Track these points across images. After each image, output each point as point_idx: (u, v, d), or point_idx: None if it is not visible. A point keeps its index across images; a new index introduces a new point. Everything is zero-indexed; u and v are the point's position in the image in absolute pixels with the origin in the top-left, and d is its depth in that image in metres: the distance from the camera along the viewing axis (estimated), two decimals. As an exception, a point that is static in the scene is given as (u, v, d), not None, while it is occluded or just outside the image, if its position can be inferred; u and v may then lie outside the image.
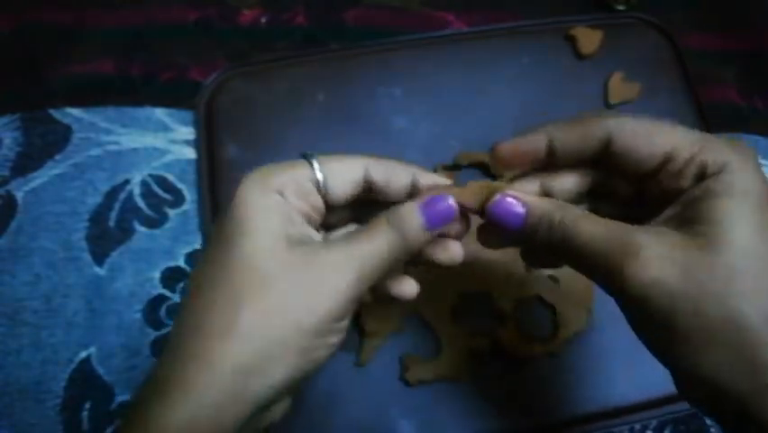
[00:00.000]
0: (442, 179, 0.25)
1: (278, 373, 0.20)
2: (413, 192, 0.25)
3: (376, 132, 0.39)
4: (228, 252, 0.21)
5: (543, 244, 0.23)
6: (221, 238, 0.22)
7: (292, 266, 0.21)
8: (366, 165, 0.24)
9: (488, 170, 0.38)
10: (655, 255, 0.20)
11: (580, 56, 0.41)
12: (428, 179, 0.25)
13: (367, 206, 0.25)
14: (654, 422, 0.36)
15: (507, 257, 0.37)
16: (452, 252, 0.26)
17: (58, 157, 0.40)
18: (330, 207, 0.24)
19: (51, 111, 0.41)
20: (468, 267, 0.36)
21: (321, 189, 0.23)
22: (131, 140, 0.40)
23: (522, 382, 0.35)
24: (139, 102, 0.41)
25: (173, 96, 0.42)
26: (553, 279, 0.36)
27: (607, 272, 0.21)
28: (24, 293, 0.37)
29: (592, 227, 0.21)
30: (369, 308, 0.35)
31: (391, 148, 0.39)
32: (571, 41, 0.41)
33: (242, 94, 0.40)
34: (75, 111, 0.41)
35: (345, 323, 0.23)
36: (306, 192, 0.23)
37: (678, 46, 0.42)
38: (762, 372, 0.18)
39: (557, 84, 0.41)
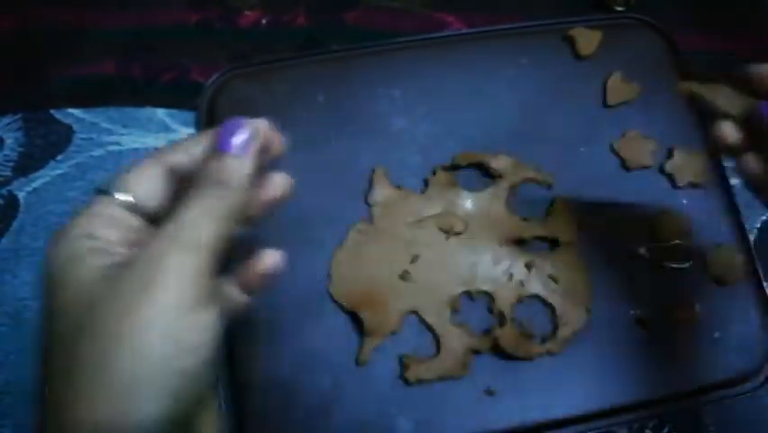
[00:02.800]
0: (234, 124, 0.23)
1: (149, 407, 0.19)
2: None
3: (375, 132, 0.40)
4: (53, 317, 0.20)
5: None
6: (46, 295, 0.20)
7: (111, 287, 0.19)
8: (161, 157, 0.23)
9: (487, 170, 0.39)
10: None
11: (578, 56, 0.41)
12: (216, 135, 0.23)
13: None
14: (653, 421, 0.36)
15: (508, 256, 0.37)
16: (279, 182, 0.25)
17: (59, 157, 0.40)
18: (154, 211, 0.23)
19: (53, 111, 0.41)
20: (468, 267, 0.36)
21: (133, 208, 0.22)
22: (132, 140, 0.41)
23: (521, 382, 0.35)
24: (140, 103, 0.42)
25: (174, 97, 0.42)
26: (553, 278, 0.36)
27: None
28: (26, 293, 0.37)
29: None
30: (368, 308, 0.35)
31: (391, 148, 0.39)
32: (570, 41, 0.42)
33: (243, 94, 0.40)
34: (76, 111, 0.41)
35: (207, 317, 0.21)
36: (117, 220, 0.22)
37: (676, 46, 0.42)
38: None
39: (556, 84, 0.41)
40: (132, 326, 0.19)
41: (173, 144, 0.24)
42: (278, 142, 0.25)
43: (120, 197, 0.22)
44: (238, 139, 0.22)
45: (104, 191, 0.23)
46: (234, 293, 0.25)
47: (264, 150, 0.24)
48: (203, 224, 0.21)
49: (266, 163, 0.25)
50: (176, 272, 0.20)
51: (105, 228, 0.22)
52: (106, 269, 0.20)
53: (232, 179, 0.22)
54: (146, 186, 0.23)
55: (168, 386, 0.19)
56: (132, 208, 0.23)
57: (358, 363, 0.35)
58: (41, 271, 0.21)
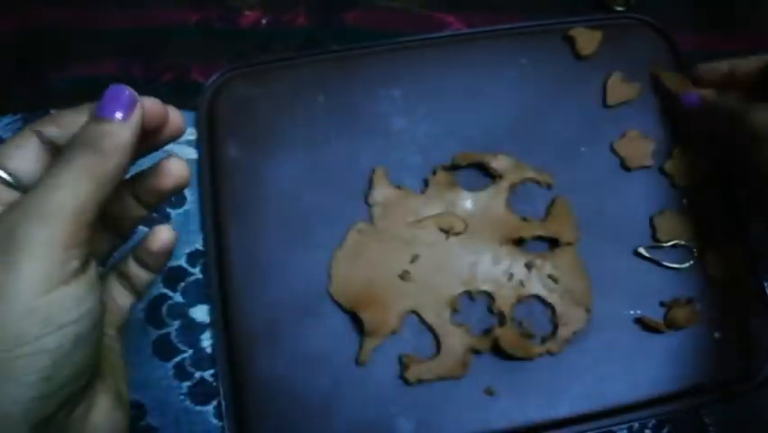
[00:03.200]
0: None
1: (15, 390, 0.18)
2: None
3: (375, 132, 0.40)
4: None
5: None
6: None
7: None
8: (37, 134, 0.22)
9: (487, 170, 0.39)
10: None
11: (578, 57, 0.41)
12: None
13: None
14: (653, 421, 0.36)
15: (508, 257, 0.37)
16: (173, 169, 0.24)
17: (59, 157, 0.40)
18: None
19: (53, 112, 0.41)
20: (468, 267, 0.36)
21: (13, 182, 0.21)
22: (132, 140, 0.41)
23: (521, 382, 0.35)
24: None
25: (174, 97, 0.42)
26: (553, 278, 0.36)
27: None
28: (26, 293, 0.37)
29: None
30: (368, 308, 0.35)
31: (391, 148, 0.39)
32: (570, 41, 0.42)
33: (243, 95, 0.40)
34: (76, 111, 0.41)
35: (77, 289, 0.19)
36: None
37: (677, 46, 0.42)
38: None
39: (556, 85, 0.41)
40: None
41: (51, 115, 0.22)
42: (176, 118, 0.24)
43: None
44: (118, 104, 0.21)
45: None
46: (139, 272, 0.25)
47: (154, 123, 0.22)
48: (66, 189, 0.19)
49: (161, 142, 0.24)
50: (37, 246, 0.18)
51: None
52: None
53: (105, 143, 0.20)
54: (21, 159, 0.21)
55: (35, 367, 0.18)
56: (9, 183, 0.21)
57: (358, 363, 0.35)
58: None
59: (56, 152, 0.22)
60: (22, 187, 0.21)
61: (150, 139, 0.23)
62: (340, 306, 0.36)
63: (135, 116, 0.21)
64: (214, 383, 0.36)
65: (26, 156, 0.22)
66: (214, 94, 0.40)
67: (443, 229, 0.37)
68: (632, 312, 0.36)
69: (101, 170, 0.20)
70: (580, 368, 0.35)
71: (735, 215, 0.39)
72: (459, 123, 0.40)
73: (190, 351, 0.37)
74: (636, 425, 0.36)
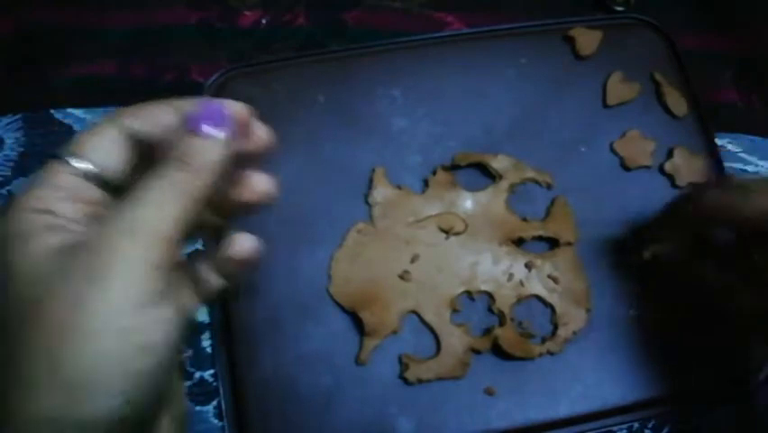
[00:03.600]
0: (208, 99, 0.22)
1: (97, 407, 0.17)
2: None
3: (375, 132, 0.40)
4: (8, 301, 0.18)
5: None
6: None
7: (64, 271, 0.18)
8: (120, 126, 0.21)
9: (487, 170, 0.39)
10: None
11: (578, 56, 0.41)
12: (194, 103, 0.22)
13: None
14: (653, 421, 0.36)
15: (507, 257, 0.37)
16: (259, 183, 0.23)
17: (59, 157, 0.40)
18: (116, 182, 0.21)
19: (53, 111, 0.41)
20: (468, 267, 0.36)
21: (92, 177, 0.20)
22: (132, 140, 0.41)
23: (521, 382, 0.35)
24: (141, 102, 0.42)
25: (174, 97, 0.42)
26: (553, 278, 0.36)
27: None
28: (26, 293, 0.37)
29: None
30: (368, 308, 0.35)
31: (391, 148, 0.39)
32: (570, 41, 0.42)
33: (243, 94, 0.40)
34: (77, 112, 0.41)
35: (165, 312, 0.19)
36: (76, 191, 0.20)
37: (676, 46, 0.42)
38: None
39: (556, 84, 0.41)
40: (82, 320, 0.17)
41: (135, 107, 0.22)
42: (264, 134, 0.24)
43: (77, 164, 0.20)
44: (211, 120, 0.20)
45: (59, 158, 0.20)
46: (211, 277, 0.23)
47: (244, 139, 0.22)
48: (161, 209, 0.19)
49: (253, 158, 0.23)
50: (128, 264, 0.18)
51: (63, 202, 0.19)
52: (61, 248, 0.18)
53: (198, 162, 0.19)
54: (105, 152, 0.21)
55: (120, 387, 0.17)
56: (92, 177, 0.20)
57: (358, 362, 0.35)
58: None
59: (136, 146, 0.21)
60: (102, 179, 0.21)
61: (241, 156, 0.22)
62: (340, 306, 0.36)
63: (228, 133, 0.20)
64: (215, 383, 0.36)
65: (108, 148, 0.21)
66: (215, 94, 0.40)
67: (443, 229, 0.37)
68: (632, 312, 0.36)
69: (194, 189, 0.19)
70: (579, 368, 0.35)
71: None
72: (459, 123, 0.40)
73: (190, 351, 0.37)
74: (636, 425, 0.36)
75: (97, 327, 0.17)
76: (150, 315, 0.18)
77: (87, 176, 0.20)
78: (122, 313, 0.17)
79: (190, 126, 0.20)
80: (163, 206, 0.19)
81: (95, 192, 0.20)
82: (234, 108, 0.22)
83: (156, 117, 0.21)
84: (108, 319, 0.17)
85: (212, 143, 0.20)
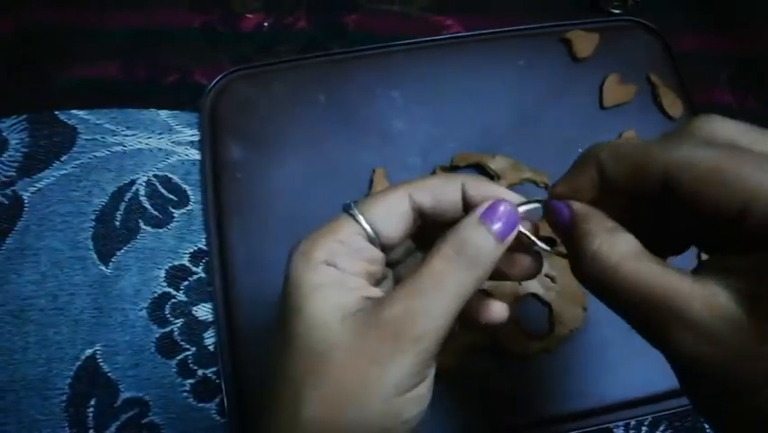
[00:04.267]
0: (494, 185, 0.22)
1: None
2: (467, 208, 0.22)
3: (375, 134, 0.40)
4: (286, 339, 0.20)
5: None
6: (280, 325, 0.20)
7: (348, 339, 0.19)
8: (410, 193, 0.22)
9: (485, 171, 0.39)
10: (701, 327, 0.16)
11: (576, 59, 0.42)
12: (479, 187, 0.22)
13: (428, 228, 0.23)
14: (649, 418, 0.37)
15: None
16: (497, 310, 0.23)
17: (64, 158, 0.41)
18: (388, 248, 0.22)
19: (57, 113, 0.42)
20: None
21: (374, 240, 0.21)
22: (136, 141, 0.41)
23: (518, 379, 0.35)
24: (143, 104, 0.42)
25: (177, 99, 0.42)
26: (550, 278, 0.37)
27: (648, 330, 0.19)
28: (31, 292, 0.38)
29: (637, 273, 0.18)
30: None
31: (391, 149, 0.40)
32: (567, 44, 0.42)
33: (245, 96, 0.41)
34: (80, 113, 0.42)
35: (422, 389, 0.20)
36: (360, 250, 0.21)
37: (672, 49, 0.43)
38: None
39: (553, 86, 0.41)
40: (360, 390, 0.18)
41: (424, 181, 0.22)
42: (529, 263, 0.23)
43: (364, 224, 0.21)
44: (504, 224, 0.20)
45: (350, 210, 0.22)
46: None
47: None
48: (445, 303, 0.19)
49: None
50: (409, 347, 0.19)
51: (349, 258, 0.20)
52: (345, 309, 0.19)
53: (481, 260, 0.20)
54: (391, 219, 0.21)
55: None
56: (372, 239, 0.21)
57: None
58: (285, 283, 0.21)
59: (418, 216, 0.22)
60: (380, 242, 0.21)
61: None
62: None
63: (512, 238, 0.20)
64: (217, 381, 0.36)
65: (396, 217, 0.21)
66: (217, 96, 0.41)
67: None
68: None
69: (474, 281, 0.20)
70: (576, 366, 0.36)
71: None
72: (458, 124, 0.40)
73: (193, 349, 0.37)
74: (633, 422, 0.37)
75: (369, 402, 0.18)
76: (412, 394, 0.19)
77: (368, 237, 0.21)
78: (393, 393, 0.19)
79: (500, 235, 0.20)
80: (445, 295, 0.19)
81: (375, 253, 0.21)
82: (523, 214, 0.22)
83: (445, 194, 0.22)
84: (380, 397, 0.18)
85: (496, 245, 0.20)
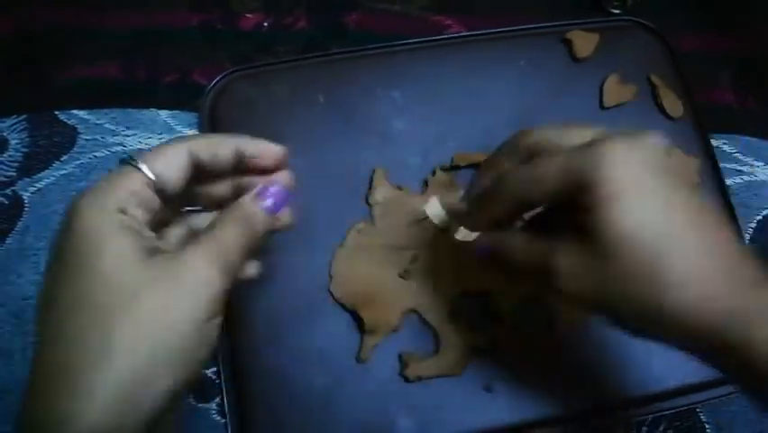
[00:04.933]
0: (266, 146, 0.28)
1: (164, 382, 0.21)
2: (239, 164, 0.27)
3: (375, 134, 0.40)
4: (85, 275, 0.21)
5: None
6: (69, 265, 0.21)
7: (154, 277, 0.21)
8: (189, 148, 0.25)
9: (486, 170, 0.39)
10: (569, 275, 0.24)
11: (576, 59, 0.42)
12: (252, 147, 0.27)
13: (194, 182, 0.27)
14: (649, 418, 0.37)
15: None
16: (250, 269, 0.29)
17: (64, 158, 0.41)
18: (168, 196, 0.25)
19: (57, 113, 0.42)
20: (467, 267, 0.37)
21: (156, 188, 0.24)
22: (136, 141, 0.41)
23: (519, 380, 0.35)
24: (143, 104, 0.42)
25: (177, 99, 0.42)
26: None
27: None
28: (31, 292, 0.38)
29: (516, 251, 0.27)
30: (368, 307, 0.36)
31: (391, 149, 0.40)
32: (568, 44, 0.42)
33: (245, 96, 0.41)
34: (80, 113, 0.42)
35: (218, 320, 0.23)
36: (147, 199, 0.23)
37: (673, 48, 0.43)
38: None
39: (553, 86, 0.41)
40: (164, 320, 0.21)
41: (201, 137, 0.26)
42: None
43: (147, 172, 0.23)
44: (279, 205, 0.26)
45: (130, 163, 0.23)
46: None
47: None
48: (234, 250, 0.24)
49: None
50: (208, 289, 0.22)
51: (135, 206, 0.23)
52: (139, 252, 0.22)
53: (257, 226, 0.25)
54: (170, 168, 0.24)
55: (175, 377, 0.21)
56: (153, 186, 0.24)
57: (359, 360, 0.35)
58: (61, 224, 0.22)
59: (195, 167, 0.26)
60: (160, 190, 0.24)
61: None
62: (341, 304, 0.36)
63: (284, 211, 0.27)
64: (217, 381, 0.36)
65: (175, 165, 0.25)
66: (216, 95, 0.41)
67: (443, 229, 0.38)
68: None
69: (254, 243, 0.25)
70: (577, 366, 0.36)
71: (730, 215, 0.39)
72: (458, 124, 0.40)
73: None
74: (633, 422, 0.37)
75: (172, 329, 0.21)
76: (215, 322, 0.23)
77: (150, 184, 0.24)
78: (193, 323, 0.22)
79: (260, 194, 0.26)
80: (230, 248, 0.24)
81: (156, 201, 0.24)
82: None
83: (219, 151, 0.26)
84: (181, 326, 0.21)
85: (268, 218, 0.26)
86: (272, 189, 0.26)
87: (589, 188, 0.23)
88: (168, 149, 0.25)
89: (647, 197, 0.23)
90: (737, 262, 0.23)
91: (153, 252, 0.22)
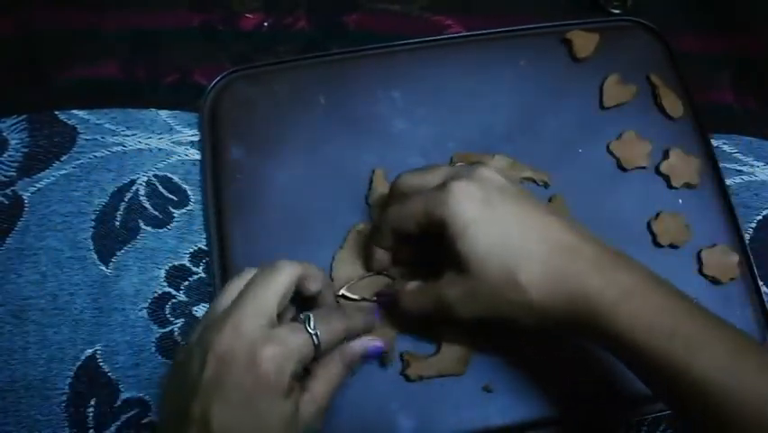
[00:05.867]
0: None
1: None
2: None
3: (375, 133, 0.40)
4: (248, 415, 0.25)
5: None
6: (239, 403, 0.25)
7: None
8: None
9: (486, 170, 0.39)
10: (459, 302, 0.30)
11: (576, 59, 0.42)
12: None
13: None
14: (649, 419, 0.37)
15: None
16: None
17: (64, 158, 0.41)
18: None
19: (57, 113, 0.42)
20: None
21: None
22: (136, 141, 0.41)
23: (519, 379, 0.35)
24: (143, 104, 0.42)
25: (177, 99, 0.42)
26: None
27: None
28: (31, 292, 0.38)
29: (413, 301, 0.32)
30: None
31: (391, 150, 0.40)
32: (568, 44, 0.42)
33: (245, 97, 0.41)
34: (80, 113, 0.42)
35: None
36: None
37: (673, 48, 0.43)
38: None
39: (553, 87, 0.41)
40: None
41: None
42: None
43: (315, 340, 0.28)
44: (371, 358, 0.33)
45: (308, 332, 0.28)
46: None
47: None
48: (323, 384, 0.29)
49: None
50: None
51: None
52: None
53: (351, 364, 0.31)
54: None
55: None
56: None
57: (382, 365, 0.35)
58: (244, 354, 0.26)
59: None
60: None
61: None
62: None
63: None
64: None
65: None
66: (217, 96, 0.41)
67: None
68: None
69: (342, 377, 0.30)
70: (576, 366, 0.36)
71: (730, 215, 0.39)
72: (458, 124, 0.40)
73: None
74: (633, 422, 0.37)
75: None
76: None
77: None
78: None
79: (370, 352, 0.32)
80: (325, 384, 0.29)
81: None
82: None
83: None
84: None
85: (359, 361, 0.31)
86: (377, 347, 0.32)
87: (445, 225, 0.29)
88: (333, 318, 0.29)
89: (488, 222, 0.28)
90: (574, 246, 0.28)
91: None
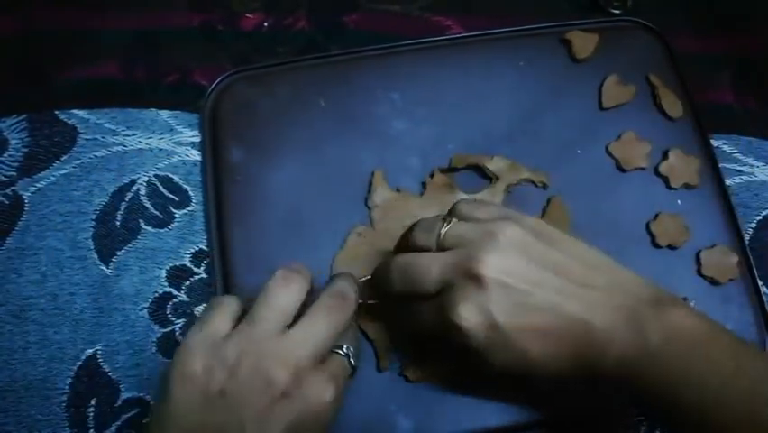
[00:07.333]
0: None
1: None
2: None
3: (375, 135, 0.40)
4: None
5: None
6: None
7: None
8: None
9: (483, 172, 0.39)
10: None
11: (575, 59, 0.42)
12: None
13: None
14: (648, 420, 0.37)
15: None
16: None
17: (64, 158, 0.41)
18: None
19: (57, 112, 0.42)
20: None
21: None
22: (136, 141, 0.41)
23: (519, 379, 0.35)
24: (143, 104, 0.42)
25: (177, 99, 0.42)
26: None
27: None
28: (31, 291, 0.38)
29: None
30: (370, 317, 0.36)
31: (390, 151, 0.40)
32: (567, 44, 0.42)
33: (245, 97, 0.41)
34: (81, 112, 0.42)
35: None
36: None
37: (672, 49, 0.43)
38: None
39: (553, 87, 0.41)
40: None
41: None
42: None
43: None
44: None
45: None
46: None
47: None
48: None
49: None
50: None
51: None
52: None
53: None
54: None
55: None
56: None
57: (379, 370, 0.35)
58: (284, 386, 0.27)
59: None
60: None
61: None
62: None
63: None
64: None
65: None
66: (217, 96, 0.41)
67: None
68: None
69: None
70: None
71: (729, 215, 0.39)
72: (457, 125, 0.40)
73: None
74: (632, 421, 0.37)
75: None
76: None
77: None
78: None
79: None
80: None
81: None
82: None
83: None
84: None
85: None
86: None
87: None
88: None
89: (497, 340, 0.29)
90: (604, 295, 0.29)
91: None
